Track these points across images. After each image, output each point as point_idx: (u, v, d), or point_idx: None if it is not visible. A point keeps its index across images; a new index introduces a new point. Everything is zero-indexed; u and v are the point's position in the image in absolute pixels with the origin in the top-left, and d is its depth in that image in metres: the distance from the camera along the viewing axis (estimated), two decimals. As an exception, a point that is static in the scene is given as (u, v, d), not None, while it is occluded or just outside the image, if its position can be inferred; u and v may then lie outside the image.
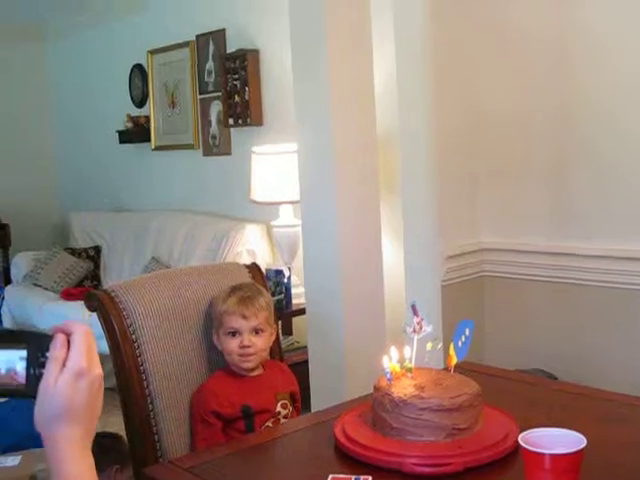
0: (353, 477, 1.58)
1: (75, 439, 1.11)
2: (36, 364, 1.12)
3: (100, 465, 2.87)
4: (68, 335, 1.13)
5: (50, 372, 1.10)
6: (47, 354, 1.12)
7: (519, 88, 3.63)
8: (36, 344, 1.13)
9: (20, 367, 1.12)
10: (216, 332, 2.34)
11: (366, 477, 1.58)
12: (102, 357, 2.66)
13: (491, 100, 3.70)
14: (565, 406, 2.10)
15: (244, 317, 2.30)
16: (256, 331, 2.31)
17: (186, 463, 1.85)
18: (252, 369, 2.33)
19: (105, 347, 2.25)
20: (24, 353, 1.12)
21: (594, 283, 3.39)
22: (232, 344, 2.29)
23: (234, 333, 2.29)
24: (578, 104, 3.38)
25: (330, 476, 1.59)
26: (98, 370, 1.13)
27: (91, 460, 1.14)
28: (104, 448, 2.96)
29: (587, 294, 3.40)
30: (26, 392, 1.12)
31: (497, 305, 3.81)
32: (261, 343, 2.32)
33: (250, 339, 2.29)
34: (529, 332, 3.69)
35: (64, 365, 1.10)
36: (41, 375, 1.10)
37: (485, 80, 3.69)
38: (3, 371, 1.13)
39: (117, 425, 2.29)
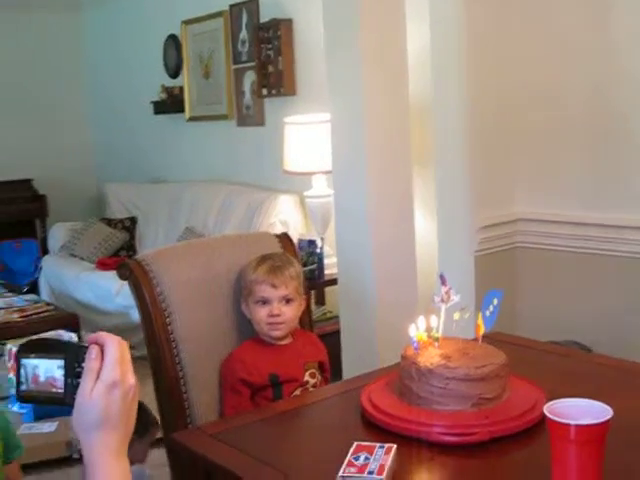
0: (377, 445, 1.58)
1: (110, 446, 1.16)
2: (72, 374, 1.16)
3: None
4: (101, 346, 1.17)
5: (86, 383, 1.15)
6: (83, 364, 1.16)
7: (555, 56, 3.57)
8: (72, 354, 1.17)
9: (58, 376, 1.17)
10: (245, 300, 2.35)
11: (390, 445, 1.58)
12: (134, 326, 2.66)
13: (526, 69, 3.65)
14: (595, 377, 2.09)
15: (274, 286, 2.30)
16: (286, 300, 2.32)
17: (212, 429, 1.87)
18: (281, 338, 2.33)
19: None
20: (62, 362, 1.17)
21: (631, 255, 3.34)
22: (261, 313, 2.29)
23: (264, 302, 2.30)
24: (614, 73, 3.32)
25: (355, 443, 1.59)
26: (132, 380, 1.18)
27: (126, 465, 1.18)
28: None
29: (624, 266, 3.35)
30: (64, 400, 1.17)
31: (531, 276, 3.78)
32: (290, 312, 2.32)
33: (279, 308, 2.29)
34: (563, 304, 3.66)
35: (98, 376, 1.15)
36: (77, 385, 1.15)
37: (520, 49, 3.64)
38: (42, 379, 1.17)
39: (149, 395, 2.31)
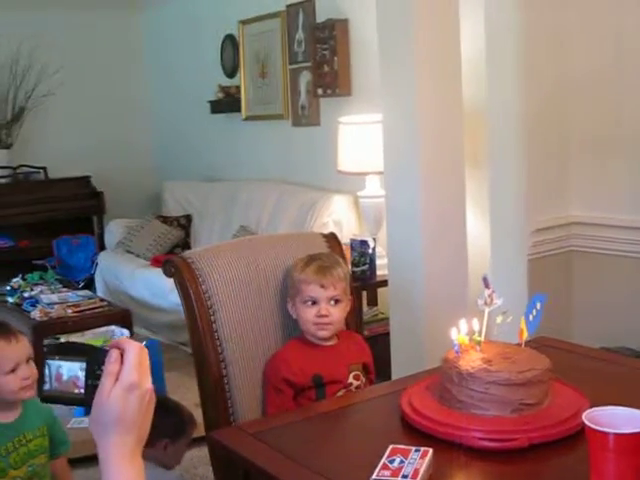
0: (413, 448, 1.57)
1: (125, 447, 1.20)
2: (93, 376, 1.21)
3: (149, 439, 2.93)
4: (122, 351, 1.21)
5: (104, 385, 1.18)
6: (103, 367, 1.20)
7: (611, 61, 3.52)
8: (94, 357, 1.22)
9: (80, 377, 1.22)
10: (292, 300, 2.34)
11: (426, 449, 1.56)
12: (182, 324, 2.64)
13: (582, 72, 3.60)
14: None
15: (322, 286, 2.29)
16: (334, 301, 2.31)
17: (252, 428, 1.88)
18: (327, 338, 2.33)
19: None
20: (84, 365, 1.22)
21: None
22: (309, 313, 2.29)
23: (312, 302, 2.29)
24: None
25: (390, 446, 1.58)
26: (148, 384, 1.21)
27: (140, 466, 1.21)
28: (155, 421, 3.01)
29: None
30: (84, 401, 1.21)
31: (586, 281, 3.73)
32: (338, 313, 2.32)
33: (327, 309, 2.29)
34: (618, 309, 3.60)
35: (117, 379, 1.19)
36: (97, 386, 1.19)
37: (575, 52, 3.59)
38: (65, 379, 1.22)
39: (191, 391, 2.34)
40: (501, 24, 3.54)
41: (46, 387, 1.22)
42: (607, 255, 3.63)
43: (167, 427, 3.02)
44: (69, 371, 1.21)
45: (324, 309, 2.28)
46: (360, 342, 2.45)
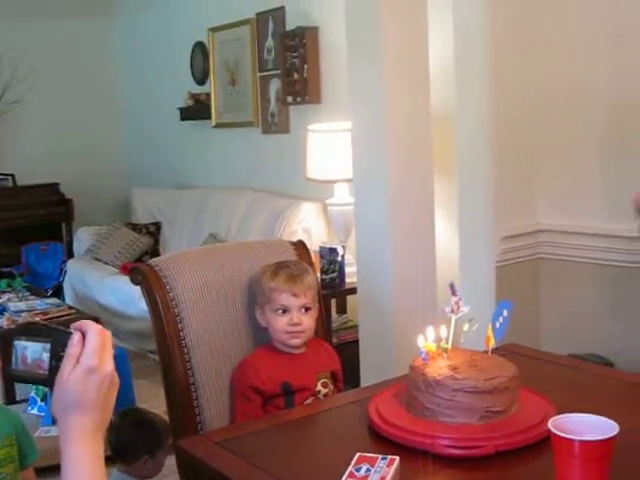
0: (380, 456, 1.56)
1: (84, 428, 1.21)
2: (57, 357, 1.22)
3: (128, 458, 2.91)
4: (84, 334, 1.22)
5: (64, 368, 1.20)
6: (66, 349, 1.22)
7: (577, 67, 3.55)
8: (58, 339, 1.23)
9: (44, 359, 1.24)
10: (261, 308, 2.33)
11: (393, 457, 1.56)
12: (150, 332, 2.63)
13: (549, 79, 3.62)
14: (608, 393, 2.05)
15: (294, 295, 2.28)
16: (305, 309, 2.30)
17: (219, 436, 1.86)
18: (299, 346, 2.32)
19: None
20: (48, 346, 1.24)
21: (655, 268, 3.30)
22: (280, 322, 2.27)
23: (283, 310, 2.28)
24: (636, 84, 3.28)
25: (357, 454, 1.58)
26: (109, 367, 1.22)
27: (99, 447, 1.22)
28: (132, 440, 3.01)
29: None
30: (47, 381, 1.23)
31: (553, 288, 3.74)
32: (309, 321, 2.31)
33: (299, 317, 2.28)
34: (586, 316, 3.62)
35: (77, 361, 1.20)
36: (59, 367, 1.21)
37: (543, 59, 3.61)
38: (29, 360, 1.26)
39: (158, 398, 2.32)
40: (469, 31, 3.55)
41: (12, 367, 1.26)
42: (574, 262, 3.65)
43: (144, 443, 3.01)
44: (34, 352, 1.24)
45: (296, 317, 2.27)
46: (328, 350, 2.45)
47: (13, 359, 1.25)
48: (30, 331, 1.26)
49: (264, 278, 2.32)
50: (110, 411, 1.24)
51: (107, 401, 1.22)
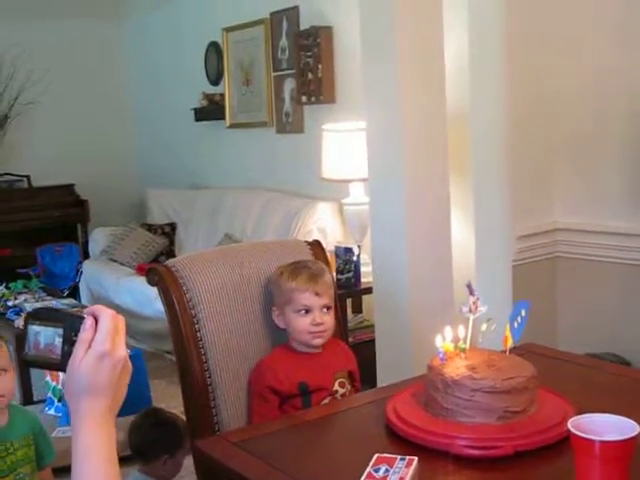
0: (398, 457, 1.56)
1: (96, 412, 1.20)
2: (69, 342, 1.22)
3: (149, 458, 2.91)
4: (97, 318, 1.22)
5: (76, 353, 1.20)
6: (79, 334, 1.22)
7: (595, 65, 3.53)
8: (70, 324, 1.23)
9: (57, 343, 1.23)
10: (279, 309, 2.31)
11: (411, 457, 1.55)
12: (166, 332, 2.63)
13: (566, 77, 3.61)
14: (627, 392, 2.04)
15: (317, 294, 2.27)
16: (327, 308, 2.30)
17: (236, 437, 1.86)
18: (320, 346, 2.31)
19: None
20: (61, 331, 1.23)
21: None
22: (303, 322, 2.26)
23: (306, 311, 2.26)
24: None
25: (376, 455, 1.57)
26: (122, 352, 1.21)
27: (111, 431, 1.22)
28: (152, 439, 3.03)
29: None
30: (60, 366, 1.23)
31: (571, 287, 3.73)
32: (331, 320, 2.30)
33: (322, 317, 2.27)
34: (603, 315, 3.61)
35: (90, 346, 1.20)
36: (72, 352, 1.21)
37: (560, 57, 3.60)
38: (42, 345, 1.24)
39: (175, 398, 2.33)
40: (485, 31, 3.54)
41: (25, 351, 1.24)
42: (591, 261, 3.63)
43: (165, 443, 3.02)
44: (46, 337, 1.23)
45: (319, 317, 2.27)
46: (345, 350, 2.44)
47: (26, 344, 1.24)
48: (43, 315, 1.25)
49: (283, 279, 2.31)
50: (122, 396, 1.23)
51: (120, 386, 1.22)
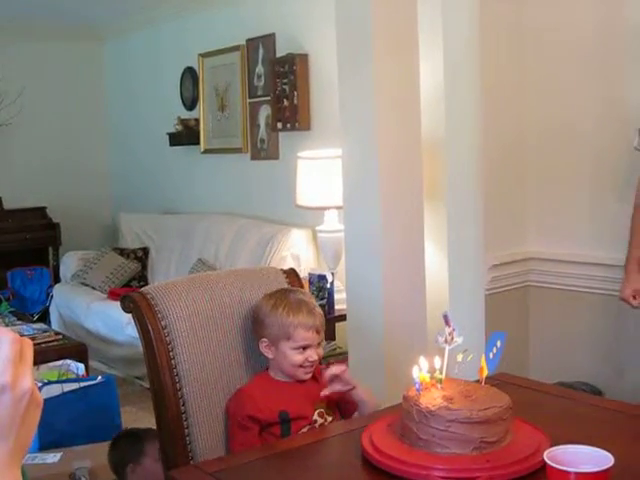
0: (375, 488, 1.56)
1: None
2: None
3: (119, 473, 2.89)
4: None
5: None
6: None
7: (568, 98, 3.58)
8: None
9: None
10: (273, 342, 2.27)
11: (388, 488, 1.56)
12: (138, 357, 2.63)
13: (539, 108, 3.65)
14: (600, 423, 2.05)
15: (317, 332, 2.27)
16: (319, 343, 2.30)
17: (211, 467, 1.85)
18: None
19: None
20: None
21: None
22: (299, 357, 2.24)
23: (304, 347, 2.25)
24: (624, 115, 3.31)
25: (352, 486, 1.57)
26: (27, 384, 1.00)
27: (17, 476, 1.01)
28: (117, 454, 3.04)
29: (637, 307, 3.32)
30: None
31: (543, 316, 3.76)
32: (320, 353, 2.30)
33: (317, 353, 2.27)
34: (575, 344, 3.64)
35: None
36: None
37: (534, 88, 3.65)
38: None
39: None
40: (460, 58, 3.58)
41: None
42: (563, 290, 3.67)
43: (123, 452, 3.02)
44: None
45: (315, 354, 2.26)
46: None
47: None
48: None
49: (280, 312, 2.26)
50: (31, 435, 1.03)
51: (26, 424, 1.01)
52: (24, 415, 1.00)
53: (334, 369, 2.23)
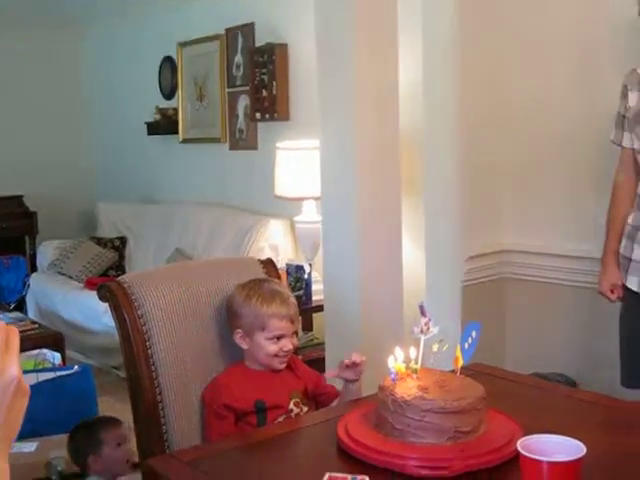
0: (349, 476, 1.57)
1: None
2: None
3: (81, 465, 2.88)
4: None
5: None
6: None
7: (545, 91, 3.60)
8: None
9: None
10: (248, 333, 2.27)
11: (363, 477, 1.57)
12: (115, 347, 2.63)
13: (516, 102, 3.67)
14: (574, 413, 2.08)
15: (291, 321, 2.28)
16: (294, 333, 2.30)
17: (187, 456, 1.85)
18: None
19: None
20: None
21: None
22: (274, 347, 2.25)
23: (278, 337, 2.26)
24: (600, 107, 3.32)
25: (327, 474, 1.58)
26: (13, 372, 0.99)
27: (3, 466, 1.01)
28: (75, 449, 3.04)
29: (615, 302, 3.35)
30: None
31: (519, 307, 3.78)
32: (295, 343, 2.31)
33: (292, 342, 2.28)
34: (551, 336, 3.66)
35: None
36: None
37: (511, 84, 3.66)
38: None
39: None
40: (438, 53, 3.59)
41: None
42: (538, 282, 3.69)
43: (81, 444, 3.02)
44: None
45: (290, 343, 2.27)
46: (300, 367, 2.42)
47: None
48: None
49: (254, 303, 2.27)
50: (17, 425, 1.01)
51: (12, 412, 1.00)
52: (10, 404, 0.99)
53: (357, 357, 2.24)
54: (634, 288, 2.88)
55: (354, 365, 2.24)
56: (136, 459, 2.93)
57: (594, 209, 3.34)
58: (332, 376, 2.31)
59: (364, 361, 2.26)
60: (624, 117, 2.93)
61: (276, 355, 2.26)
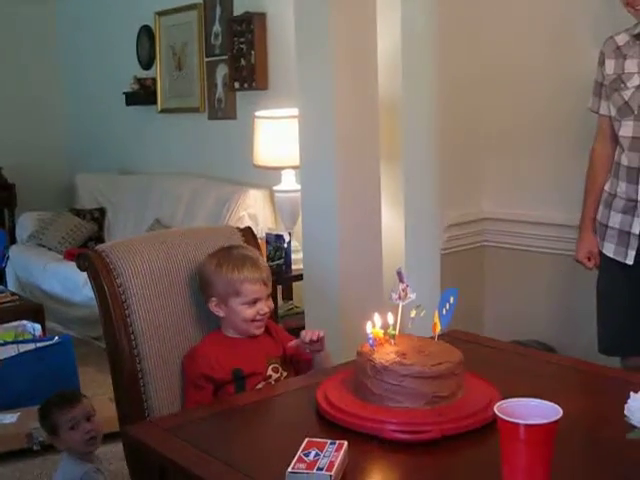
0: (328, 441, 1.57)
1: None
2: None
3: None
4: None
5: None
6: None
7: (522, 59, 3.59)
8: None
9: None
10: (222, 300, 2.27)
11: (341, 442, 1.57)
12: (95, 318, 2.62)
13: (495, 71, 3.67)
14: (551, 378, 2.09)
15: (265, 284, 2.28)
16: (268, 295, 2.30)
17: (167, 423, 1.86)
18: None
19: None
20: None
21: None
22: (249, 312, 2.25)
23: (254, 302, 2.26)
24: (578, 76, 3.32)
25: (306, 440, 1.59)
26: None
27: None
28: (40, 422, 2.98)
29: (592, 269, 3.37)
30: None
31: (497, 275, 3.80)
32: (271, 305, 2.31)
33: (267, 305, 2.28)
34: (529, 303, 3.69)
35: None
36: None
37: (490, 51, 3.66)
38: None
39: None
40: (417, 21, 3.58)
41: None
42: (517, 250, 3.71)
43: (41, 424, 2.96)
44: None
45: (266, 306, 2.27)
46: (277, 330, 2.42)
47: None
48: None
49: (225, 269, 2.26)
50: None
51: None
52: None
53: (311, 335, 2.24)
54: (610, 254, 2.90)
55: (311, 342, 2.24)
56: (101, 433, 2.89)
57: (574, 177, 3.35)
58: (293, 351, 2.31)
59: (322, 336, 2.25)
60: (601, 85, 2.94)
61: (253, 320, 2.27)
